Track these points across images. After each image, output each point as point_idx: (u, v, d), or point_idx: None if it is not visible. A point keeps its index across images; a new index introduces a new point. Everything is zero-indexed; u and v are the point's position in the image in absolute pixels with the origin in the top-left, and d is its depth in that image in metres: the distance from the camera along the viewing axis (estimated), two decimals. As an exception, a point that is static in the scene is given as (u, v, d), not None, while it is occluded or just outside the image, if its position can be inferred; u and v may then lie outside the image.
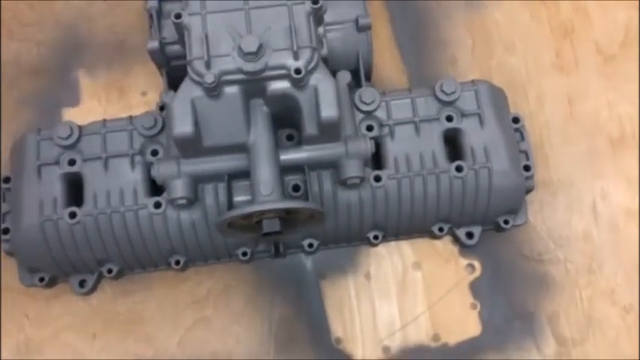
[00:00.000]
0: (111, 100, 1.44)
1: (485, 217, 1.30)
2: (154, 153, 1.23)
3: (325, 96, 1.09)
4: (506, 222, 1.31)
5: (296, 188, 1.22)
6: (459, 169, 1.23)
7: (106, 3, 1.52)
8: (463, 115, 1.26)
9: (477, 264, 1.34)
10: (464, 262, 1.35)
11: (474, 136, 1.25)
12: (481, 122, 1.25)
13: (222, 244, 1.26)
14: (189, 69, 1.08)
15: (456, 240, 1.34)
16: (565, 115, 1.43)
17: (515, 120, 1.33)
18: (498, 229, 1.33)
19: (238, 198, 1.20)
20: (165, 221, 1.21)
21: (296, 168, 1.20)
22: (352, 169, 1.18)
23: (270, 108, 1.15)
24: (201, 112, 1.10)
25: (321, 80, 1.10)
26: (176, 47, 1.19)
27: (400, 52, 1.49)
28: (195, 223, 1.22)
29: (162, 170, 1.17)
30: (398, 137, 1.24)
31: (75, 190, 1.24)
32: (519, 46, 1.48)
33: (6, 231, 1.25)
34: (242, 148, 1.15)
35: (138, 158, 1.22)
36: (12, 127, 1.42)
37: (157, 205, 1.20)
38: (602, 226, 1.36)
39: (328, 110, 1.09)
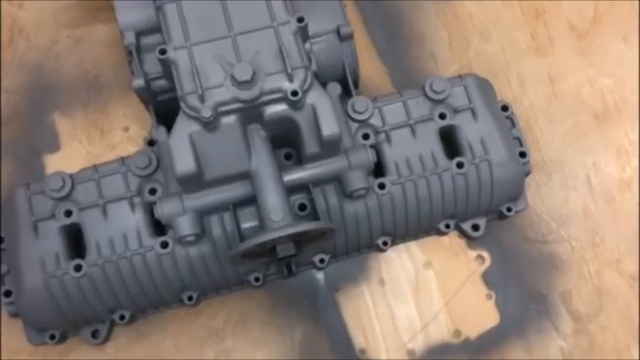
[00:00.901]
0: (92, 141, 1.39)
1: (489, 208, 1.31)
2: (153, 192, 1.19)
3: (324, 114, 1.08)
4: (509, 209, 1.32)
5: (302, 207, 1.20)
6: (459, 165, 1.24)
7: (69, 39, 1.46)
8: (455, 111, 1.26)
9: (485, 254, 1.36)
10: (473, 254, 1.36)
11: (469, 131, 1.26)
12: (474, 116, 1.26)
13: (233, 273, 1.24)
14: (182, 105, 1.05)
15: (463, 234, 1.35)
16: (548, 95, 1.45)
17: (505, 108, 1.34)
18: (501, 217, 1.35)
19: (246, 225, 1.18)
20: (174, 260, 1.18)
21: (299, 187, 1.18)
22: (357, 181, 1.17)
23: (268, 131, 1.13)
24: (200, 146, 1.07)
25: (317, 98, 1.09)
26: (162, 82, 1.16)
27: (378, 52, 1.48)
28: (205, 257, 1.19)
29: (165, 209, 1.13)
30: (395, 142, 1.24)
31: (74, 242, 1.20)
32: (494, 33, 1.49)
33: (8, 293, 1.20)
34: (245, 176, 1.13)
35: (136, 200, 1.19)
36: (-6, 182, 1.36)
37: (164, 245, 1.17)
38: (599, 199, 1.39)
39: (329, 128, 1.08)
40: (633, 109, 1.43)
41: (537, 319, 1.33)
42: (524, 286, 1.34)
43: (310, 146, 1.12)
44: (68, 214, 1.18)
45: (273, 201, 1.10)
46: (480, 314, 1.33)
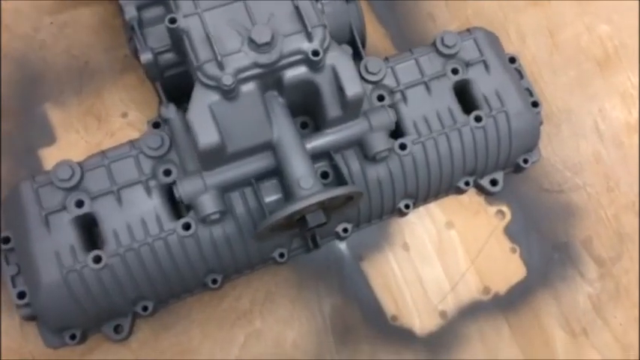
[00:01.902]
0: (90, 130, 1.32)
1: (507, 161, 1.30)
2: (168, 173, 1.13)
3: (346, 74, 1.05)
4: (525, 161, 1.32)
5: (324, 175, 1.17)
6: (477, 119, 1.22)
7: (54, 26, 1.38)
8: (468, 64, 1.24)
9: (505, 209, 1.35)
10: (493, 210, 1.35)
11: (483, 84, 1.24)
12: (486, 68, 1.25)
13: (258, 251, 1.20)
14: (199, 74, 1.00)
15: (481, 190, 1.34)
16: (549, 47, 1.45)
17: (512, 60, 1.33)
18: (517, 170, 1.34)
19: (268, 199, 1.14)
20: (197, 242, 1.13)
21: (320, 155, 1.15)
22: (379, 143, 1.14)
23: (286, 98, 1.09)
24: (220, 117, 1.02)
25: (336, 58, 1.05)
26: (169, 55, 1.10)
27: (377, 17, 1.45)
28: (229, 236, 1.14)
29: (186, 188, 1.08)
30: (411, 101, 1.21)
31: (88, 233, 1.14)
32: (489, -12, 1.48)
33: (22, 295, 1.13)
34: (266, 147, 1.08)
35: (152, 183, 1.13)
36: (-11, 182, 1.28)
37: (187, 227, 1.12)
38: (609, 144, 1.40)
39: (353, 88, 1.04)
40: (633, 53, 1.44)
41: (562, 268, 1.33)
42: (546, 237, 1.34)
43: (332, 110, 1.08)
44: (80, 204, 1.11)
45: (300, 169, 1.06)
46: (507, 269, 1.32)
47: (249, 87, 1.03)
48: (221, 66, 0.99)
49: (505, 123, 1.23)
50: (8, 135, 1.30)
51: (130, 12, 1.07)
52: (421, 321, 1.28)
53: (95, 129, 1.32)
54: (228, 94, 1.00)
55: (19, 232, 1.12)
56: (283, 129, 1.07)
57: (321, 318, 1.26)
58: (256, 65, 1.00)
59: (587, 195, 1.37)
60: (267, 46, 0.99)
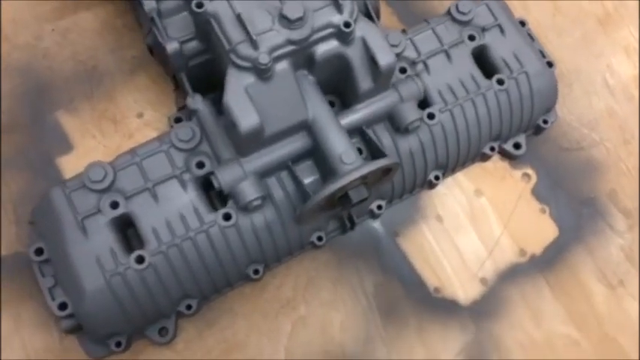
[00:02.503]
0: (107, 133, 1.28)
1: (529, 123, 1.31)
2: (201, 165, 1.11)
3: (377, 43, 1.04)
4: (545, 122, 1.33)
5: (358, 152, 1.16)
6: (500, 82, 1.23)
7: (56, 33, 1.34)
8: (483, 30, 1.25)
9: (530, 171, 1.36)
10: (518, 173, 1.36)
11: (500, 48, 1.25)
12: (502, 32, 1.26)
13: (297, 236, 1.18)
14: (232, 57, 0.98)
15: (505, 155, 1.35)
16: (551, 10, 1.47)
17: (522, 24, 1.35)
18: (537, 131, 1.36)
19: (305, 181, 1.12)
20: (239, 231, 1.11)
21: (351, 131, 1.13)
22: (411, 113, 1.14)
23: (316, 76, 1.08)
24: (257, 99, 1.00)
25: (365, 29, 1.05)
26: (193, 44, 1.08)
27: (382, -5, 1.45)
28: (270, 223, 1.12)
29: (226, 177, 1.06)
30: (433, 70, 1.22)
31: (124, 234, 1.11)
32: (486, -42, 1.49)
33: (63, 306, 1.08)
34: (302, 127, 1.07)
35: (186, 176, 1.10)
36: (10, 197, 1.22)
37: (227, 217, 1.09)
38: (620, 98, 1.43)
39: (385, 57, 1.04)
40: (633, 8, 1.48)
41: (592, 223, 1.34)
42: (573, 194, 1.36)
43: (364, 82, 1.08)
44: (115, 205, 1.08)
45: (340, 144, 1.05)
46: (539, 229, 1.33)
47: (282, 65, 1.01)
48: (255, 45, 0.97)
49: (526, 84, 1.25)
50: (23, 148, 1.26)
51: (150, 3, 1.05)
52: (464, 290, 1.27)
53: (112, 132, 1.29)
54: (264, 73, 0.99)
55: (54, 241, 1.08)
56: (318, 107, 1.06)
57: (365, 297, 1.25)
58: (289, 42, 0.99)
59: (605, 150, 1.40)
60: (300, 21, 0.98)
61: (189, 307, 1.15)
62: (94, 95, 1.31)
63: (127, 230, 1.12)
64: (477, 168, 1.35)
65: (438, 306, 1.26)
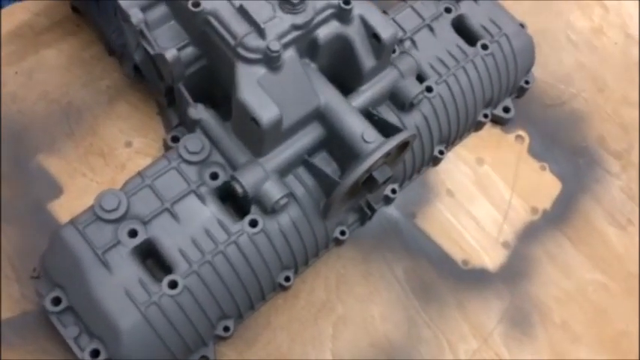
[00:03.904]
0: (97, 169, 1.20)
1: (514, 85, 1.34)
2: (214, 176, 1.06)
3: (375, 18, 1.04)
4: (527, 82, 1.37)
5: (367, 136, 1.14)
6: (484, 47, 1.26)
7: (20, 75, 1.25)
8: (457, 1, 1.28)
9: (522, 133, 1.39)
10: (511, 137, 1.39)
11: (476, 15, 1.29)
12: (475, 0, 1.29)
13: (323, 231, 1.14)
14: (240, 51, 0.95)
15: (496, 121, 1.37)
16: (504, -22, 1.53)
17: (486, -9, 1.39)
18: (520, 93, 1.39)
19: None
20: (267, 236, 1.06)
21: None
22: (413, 88, 1.14)
23: (318, 63, 1.06)
24: (270, 91, 0.97)
25: (362, 7, 1.04)
26: (189, 49, 1.03)
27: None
28: (296, 221, 1.08)
29: (249, 180, 1.01)
30: (421, 45, 1.23)
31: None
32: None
33: (95, 353, 0.99)
34: (314, 116, 1.04)
35: (203, 189, 1.04)
36: (6, 255, 1.12)
37: (254, 224, 1.04)
38: (584, 50, 1.50)
39: (386, 30, 1.04)
40: (578, -33, 1.56)
41: (590, 170, 1.38)
42: (566, 147, 1.40)
43: (367, 60, 1.07)
44: (133, 233, 1.00)
45: (359, 125, 1.03)
46: (544, 186, 1.35)
47: (290, 53, 0.99)
48: (263, 34, 0.94)
49: (508, 45, 1.28)
50: (9, 200, 1.15)
51: (137, 15, 1.00)
52: (490, 257, 1.27)
53: (102, 166, 1.21)
54: (275, 62, 0.96)
55: (74, 284, 0.99)
56: (328, 92, 1.04)
57: (398, 284, 1.22)
58: (294, 27, 0.97)
59: (584, 100, 1.45)
60: (302, 4, 0.96)
61: (226, 328, 1.08)
62: (74, 132, 1.23)
63: (145, 262, 1.04)
64: (473, 138, 1.37)
65: (470, 278, 1.25)
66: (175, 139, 1.15)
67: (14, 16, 1.28)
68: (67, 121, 1.23)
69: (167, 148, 1.16)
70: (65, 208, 1.16)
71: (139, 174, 1.05)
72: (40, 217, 1.16)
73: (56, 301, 1.01)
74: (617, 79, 1.48)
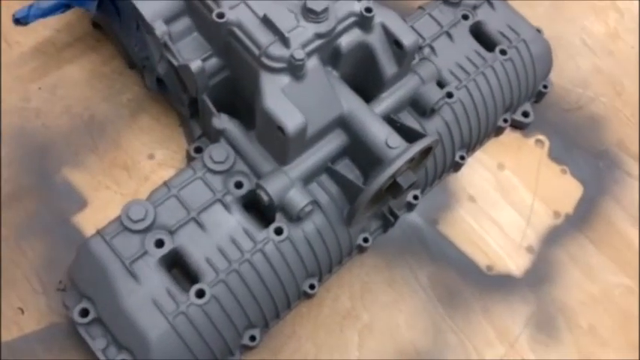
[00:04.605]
0: (121, 181, 1.21)
1: (533, 89, 1.35)
2: (239, 185, 1.06)
3: (396, 25, 1.05)
4: (545, 87, 1.37)
5: (390, 143, 1.15)
6: (503, 52, 1.26)
7: (43, 91, 1.27)
8: (474, 8, 1.29)
9: (541, 137, 1.39)
10: (531, 141, 1.39)
11: (493, 21, 1.29)
12: (491, 7, 1.30)
13: (347, 238, 1.14)
14: (264, 60, 0.96)
15: (515, 126, 1.37)
16: (517, -16, 1.54)
17: (500, -1, 1.40)
18: (539, 98, 1.39)
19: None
20: (293, 244, 1.06)
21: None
22: (435, 93, 1.15)
23: (340, 71, 1.07)
24: (294, 99, 0.98)
25: (383, 14, 1.05)
26: (213, 60, 1.04)
27: None
28: (320, 229, 1.08)
29: (274, 187, 1.02)
30: (440, 51, 1.23)
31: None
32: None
33: (124, 365, 0.99)
34: (337, 124, 1.05)
35: (228, 198, 1.05)
36: (32, 267, 1.12)
37: (279, 231, 1.05)
38: (601, 54, 1.50)
39: (408, 37, 1.05)
40: (592, -29, 1.57)
41: (610, 173, 1.38)
42: (586, 150, 1.39)
43: (389, 68, 1.07)
44: (160, 243, 1.01)
45: (382, 131, 1.04)
46: (565, 189, 1.35)
47: (313, 62, 1.00)
48: (287, 43, 0.95)
49: (526, 50, 1.29)
50: (35, 213, 1.16)
51: (160, 27, 1.01)
52: (514, 262, 1.27)
53: (126, 179, 1.22)
54: (299, 71, 0.97)
55: (103, 295, 0.99)
56: (350, 99, 1.05)
57: (422, 290, 1.22)
58: (317, 36, 0.98)
59: (602, 104, 1.45)
60: (325, 13, 0.97)
61: (252, 338, 1.08)
62: (98, 146, 1.24)
63: (170, 272, 1.05)
64: (493, 143, 1.37)
65: (494, 283, 1.24)
66: (198, 150, 1.17)
67: (37, 33, 1.30)
68: (91, 135, 1.24)
69: (190, 159, 1.17)
70: (90, 221, 1.17)
71: (165, 184, 1.06)
72: (66, 229, 1.16)
73: (84, 312, 1.01)
74: (634, 82, 1.48)
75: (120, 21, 1.17)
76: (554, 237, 1.30)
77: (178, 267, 1.06)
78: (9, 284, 1.11)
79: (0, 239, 1.13)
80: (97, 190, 1.20)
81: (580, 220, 1.32)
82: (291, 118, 0.95)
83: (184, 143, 1.26)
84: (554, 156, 1.38)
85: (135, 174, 1.23)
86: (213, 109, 1.07)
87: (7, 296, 1.10)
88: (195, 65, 0.99)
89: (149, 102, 1.28)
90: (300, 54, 0.94)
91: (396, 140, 1.02)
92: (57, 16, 1.21)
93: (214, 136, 1.09)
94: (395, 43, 1.05)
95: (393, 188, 1.05)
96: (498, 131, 1.35)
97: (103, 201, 1.19)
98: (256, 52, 0.96)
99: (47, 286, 1.12)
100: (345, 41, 1.02)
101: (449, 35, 1.24)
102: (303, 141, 1.00)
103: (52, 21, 1.31)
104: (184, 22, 1.05)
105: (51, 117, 1.25)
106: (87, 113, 1.26)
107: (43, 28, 1.30)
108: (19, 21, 1.14)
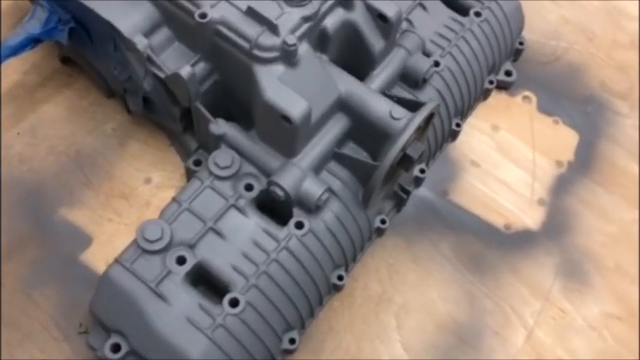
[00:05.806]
0: (122, 212, 1.17)
1: (511, 47, 1.36)
2: (249, 187, 1.03)
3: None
4: (521, 43, 1.39)
5: (388, 119, 1.13)
6: (477, 14, 1.27)
7: (23, 135, 1.22)
8: (439, -24, 1.30)
9: (527, 93, 1.40)
10: (518, 99, 1.39)
11: (462, -14, 1.30)
12: (457, -27, 1.31)
13: (366, 222, 1.11)
14: (256, 52, 0.94)
15: (500, 87, 1.38)
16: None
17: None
18: (517, 56, 1.41)
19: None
20: (316, 236, 1.03)
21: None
22: (423, 63, 1.14)
23: (329, 54, 1.06)
24: (291, 88, 0.95)
25: (361, -9, 1.04)
26: (202, 65, 1.01)
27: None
28: (339, 216, 1.06)
29: (288, 181, 0.99)
30: (417, 23, 1.23)
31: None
32: None
33: (167, 392, 0.94)
34: (337, 107, 1.03)
35: (242, 202, 1.02)
36: (48, 315, 1.06)
37: (300, 225, 1.02)
38: (565, 4, 1.53)
39: (390, 9, 1.04)
40: None
41: (600, 115, 1.40)
42: (572, 98, 1.41)
43: (376, 42, 1.07)
44: (182, 260, 0.97)
45: (384, 104, 1.02)
46: (562, 139, 1.36)
47: (304, 47, 0.98)
48: (276, 31, 0.93)
49: (499, 9, 1.30)
50: (40, 261, 1.11)
51: (141, 41, 0.98)
52: (530, 217, 1.26)
53: (127, 208, 1.17)
54: (292, 57, 0.95)
55: (133, 325, 0.94)
56: (345, 80, 1.03)
57: (448, 262, 1.20)
58: (304, 19, 0.96)
59: (577, 51, 1.47)
60: (307, -4, 0.96)
61: (292, 340, 1.04)
62: (91, 180, 1.19)
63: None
64: (482, 108, 1.37)
65: (515, 241, 1.24)
66: (198, 163, 1.13)
67: (6, 77, 1.25)
68: (82, 171, 1.20)
69: (190, 173, 1.14)
70: (99, 257, 1.12)
71: (174, 200, 1.02)
72: (75, 270, 1.11)
73: (116, 347, 0.96)
74: (602, 25, 1.51)
75: (93, 48, 1.13)
76: (562, 186, 1.30)
77: (203, 284, 1.02)
78: (27, 338, 1.05)
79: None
80: (99, 225, 1.15)
81: (582, 165, 1.33)
82: (295, 106, 0.93)
83: (179, 161, 1.22)
84: (544, 109, 1.39)
85: (135, 201, 1.18)
86: (209, 116, 1.04)
87: (28, 351, 1.04)
88: (185, 71, 0.96)
89: (134, 127, 1.24)
90: (292, 39, 0.93)
91: (400, 111, 1.01)
92: (21, 57, 1.16)
93: (213, 143, 1.06)
94: (379, 17, 1.04)
95: (404, 161, 1.04)
96: (486, 94, 1.36)
97: (108, 234, 1.15)
98: (246, 46, 0.94)
99: (68, 332, 1.06)
100: (330, 22, 1.01)
101: (422, 6, 1.24)
102: (309, 128, 0.98)
103: (17, 63, 1.26)
104: (164, 33, 1.02)
105: (36, 160, 1.20)
106: (72, 150, 1.21)
107: (11, 72, 1.26)
108: (-9, 64, 1.09)
